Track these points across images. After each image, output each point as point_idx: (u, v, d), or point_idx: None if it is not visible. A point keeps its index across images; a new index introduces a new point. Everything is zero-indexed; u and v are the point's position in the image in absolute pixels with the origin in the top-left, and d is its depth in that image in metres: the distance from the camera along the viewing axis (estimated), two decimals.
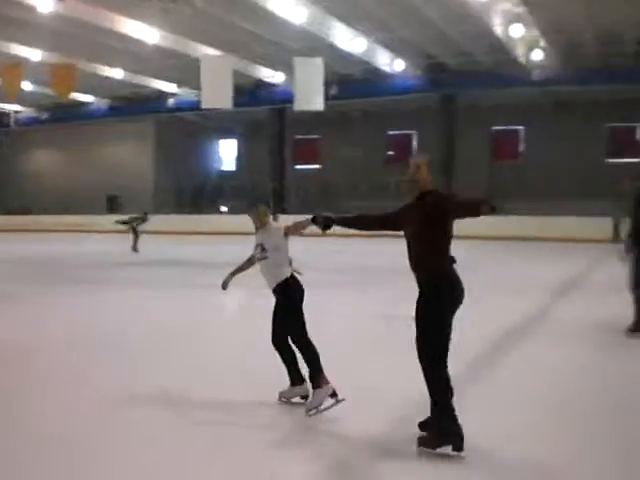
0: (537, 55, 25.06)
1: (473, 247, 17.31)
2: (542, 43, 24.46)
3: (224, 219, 31.30)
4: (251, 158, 36.50)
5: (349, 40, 23.96)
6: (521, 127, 31.28)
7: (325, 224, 4.60)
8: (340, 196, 31.24)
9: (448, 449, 3.91)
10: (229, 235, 26.42)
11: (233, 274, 5.28)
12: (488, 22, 21.66)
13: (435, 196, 4.13)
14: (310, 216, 4.68)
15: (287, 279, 4.93)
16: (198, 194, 35.82)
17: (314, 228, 4.66)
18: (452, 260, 4.08)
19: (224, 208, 35.11)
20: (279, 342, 4.93)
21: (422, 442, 4.00)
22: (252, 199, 5.25)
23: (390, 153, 34.23)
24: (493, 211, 3.67)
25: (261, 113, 32.87)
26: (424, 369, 3.98)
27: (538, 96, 27.73)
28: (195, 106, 27.03)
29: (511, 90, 26.99)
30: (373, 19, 22.16)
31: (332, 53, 23.71)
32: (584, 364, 6.26)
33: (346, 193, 31.36)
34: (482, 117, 30.17)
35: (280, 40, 23.47)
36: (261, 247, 5.00)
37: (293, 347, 4.92)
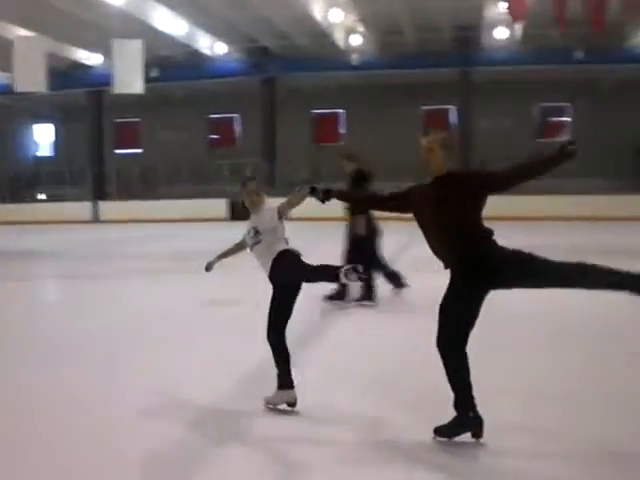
0: (356, 40, 26.17)
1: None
2: (361, 28, 25.57)
3: (42, 207, 29.81)
4: (69, 143, 34.90)
5: (169, 22, 23.64)
6: (341, 110, 32.39)
7: (325, 195, 4.31)
8: (161, 181, 30.86)
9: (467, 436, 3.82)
10: (48, 224, 25.25)
11: (220, 257, 4.93)
12: (308, 6, 22.29)
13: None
14: (306, 187, 4.39)
15: (284, 251, 4.46)
16: (15, 182, 33.66)
17: None
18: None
19: (42, 196, 33.32)
20: (276, 339, 4.44)
21: (437, 431, 3.85)
22: (243, 178, 4.88)
23: (212, 137, 34.22)
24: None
25: (79, 96, 31.46)
26: (451, 357, 3.80)
27: (357, 80, 28.84)
28: (8, 89, 25.44)
29: (331, 74, 27.90)
30: (194, 1, 22.02)
31: (152, 35, 23.25)
32: None
33: (168, 178, 30.99)
34: (303, 100, 30.83)
35: (98, 21, 22.64)
36: (254, 230, 4.53)
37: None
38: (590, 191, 23.60)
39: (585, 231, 18.80)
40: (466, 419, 3.79)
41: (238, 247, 4.93)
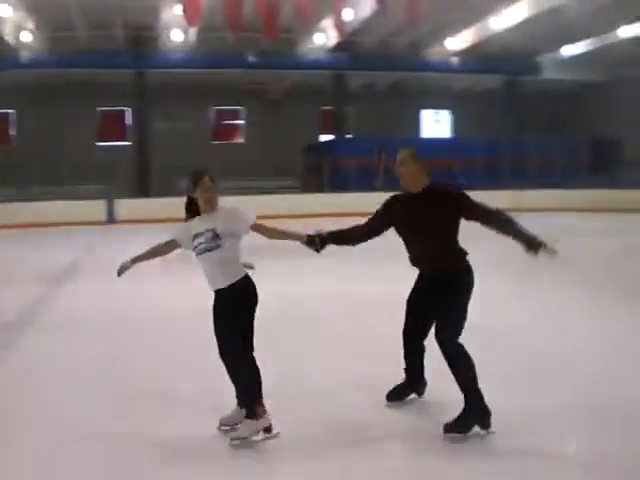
0: (26, 37, 24.77)
1: None
2: (30, 24, 24.26)
3: None
4: None
5: None
6: (11, 111, 30.19)
7: (322, 245, 4.30)
8: None
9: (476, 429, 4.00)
10: None
11: (135, 260, 4.23)
12: None
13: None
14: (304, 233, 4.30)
15: (245, 277, 4.04)
16: None
17: None
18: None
19: None
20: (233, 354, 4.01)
21: (447, 428, 4.00)
22: (194, 172, 4.18)
23: None
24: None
25: None
26: (456, 355, 4.02)
27: (29, 79, 27.22)
28: None
29: (1, 73, 25.98)
30: None
31: None
32: None
33: None
34: None
35: None
36: (213, 233, 3.97)
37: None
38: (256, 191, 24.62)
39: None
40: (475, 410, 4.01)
41: (162, 250, 4.32)
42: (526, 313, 7.46)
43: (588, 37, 25.30)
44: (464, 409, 4.02)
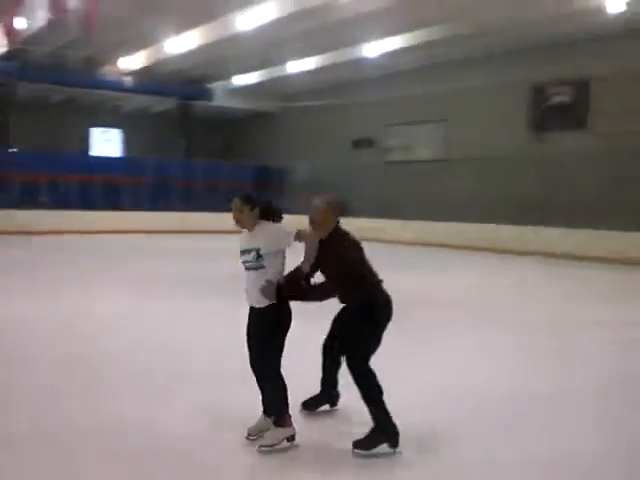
0: None
1: None
2: None
3: None
4: None
5: None
6: None
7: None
8: None
9: (384, 447, 4.16)
10: None
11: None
12: None
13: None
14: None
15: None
16: None
17: None
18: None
19: None
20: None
21: (356, 445, 4.17)
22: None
23: None
24: None
25: None
26: (361, 376, 4.26)
27: None
28: None
29: None
30: None
31: None
32: None
33: None
34: None
35: None
36: (256, 253, 4.27)
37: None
38: None
39: None
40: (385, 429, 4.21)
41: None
42: None
43: (260, 68, 26.67)
44: (373, 427, 4.22)
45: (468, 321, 9.00)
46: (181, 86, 28.76)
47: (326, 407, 4.98)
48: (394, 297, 4.54)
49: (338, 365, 4.75)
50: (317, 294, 4.46)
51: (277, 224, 4.44)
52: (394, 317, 4.51)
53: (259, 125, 32.52)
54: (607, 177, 18.89)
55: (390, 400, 4.30)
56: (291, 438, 4.35)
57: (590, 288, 13.21)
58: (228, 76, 28.28)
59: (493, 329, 8.48)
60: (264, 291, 4.25)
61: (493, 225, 20.05)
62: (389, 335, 4.49)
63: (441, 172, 23.72)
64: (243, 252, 4.42)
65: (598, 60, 19.54)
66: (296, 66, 25.26)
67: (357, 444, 4.19)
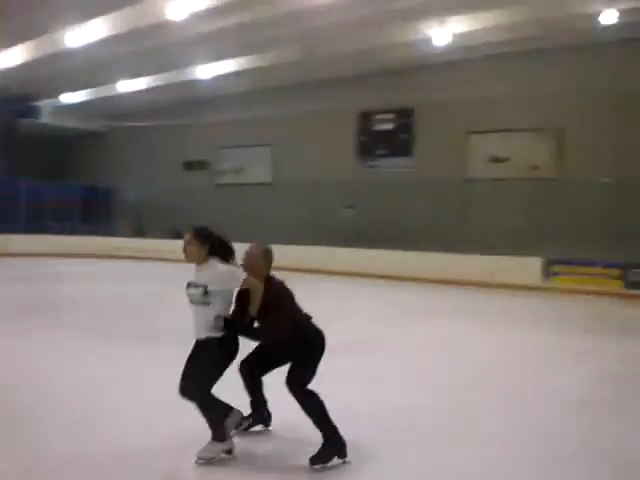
0: None
1: None
2: None
3: None
4: None
5: None
6: None
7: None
8: None
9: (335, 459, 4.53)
10: None
11: None
12: None
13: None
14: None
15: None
16: None
17: None
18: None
19: None
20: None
21: (312, 461, 4.48)
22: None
23: None
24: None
25: None
26: (304, 400, 4.60)
27: None
28: None
29: None
30: None
31: None
32: None
33: None
34: None
35: None
36: (203, 290, 4.44)
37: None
38: None
39: None
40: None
41: None
42: None
43: (90, 87, 26.01)
44: (323, 443, 4.57)
45: None
46: (5, 103, 27.35)
47: (259, 427, 5.17)
48: None
49: (261, 385, 5.07)
50: (263, 334, 4.73)
51: (228, 265, 4.55)
52: None
53: (89, 145, 31.63)
54: (428, 204, 20.36)
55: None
56: (229, 452, 4.56)
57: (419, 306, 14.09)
58: (57, 94, 27.30)
59: None
60: (216, 325, 4.44)
61: (320, 247, 20.64)
62: None
63: (268, 196, 24.30)
64: (190, 285, 4.56)
65: (423, 89, 21.01)
66: (128, 85, 24.92)
67: (314, 460, 4.51)
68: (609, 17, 16.22)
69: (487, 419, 5.86)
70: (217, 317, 4.45)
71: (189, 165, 28.36)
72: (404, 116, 22.52)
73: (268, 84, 23.90)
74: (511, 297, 15.77)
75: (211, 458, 4.51)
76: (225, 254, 4.62)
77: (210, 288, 4.42)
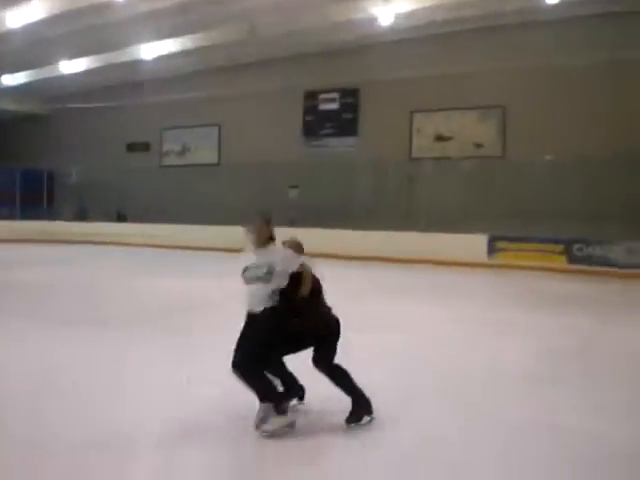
0: None
1: None
2: None
3: None
4: None
5: None
6: None
7: None
8: None
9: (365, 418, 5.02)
10: None
11: None
12: None
13: None
14: None
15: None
16: None
17: None
18: None
19: None
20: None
21: (348, 420, 4.99)
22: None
23: None
24: None
25: None
26: (332, 373, 5.09)
27: None
28: None
29: None
30: None
31: None
32: None
33: None
34: None
35: None
36: (269, 269, 4.87)
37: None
38: None
39: None
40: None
41: None
42: None
43: (29, 68, 25.21)
44: (353, 406, 5.05)
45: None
46: None
47: (294, 402, 5.34)
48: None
49: (284, 365, 5.31)
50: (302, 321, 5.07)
51: (287, 249, 5.14)
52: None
53: (29, 127, 30.69)
54: (372, 183, 20.47)
55: None
56: (292, 425, 4.83)
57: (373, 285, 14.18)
58: None
59: None
60: (272, 297, 4.91)
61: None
62: None
63: (214, 177, 24.11)
64: (248, 268, 4.96)
65: (368, 69, 21.00)
66: (68, 67, 24.25)
67: (349, 419, 5.01)
68: None
69: (428, 396, 5.92)
70: (274, 291, 4.89)
71: (132, 147, 27.88)
72: (349, 95, 22.54)
73: (213, 64, 23.62)
74: (457, 274, 15.99)
75: (274, 430, 4.72)
76: (274, 239, 5.14)
77: (275, 268, 4.87)
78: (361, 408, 5.09)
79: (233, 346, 4.90)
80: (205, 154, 26.00)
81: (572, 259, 16.59)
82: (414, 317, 10.03)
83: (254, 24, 19.51)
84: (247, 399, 4.90)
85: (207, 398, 5.56)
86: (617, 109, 17.55)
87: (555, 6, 16.79)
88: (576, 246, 16.60)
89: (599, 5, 17.07)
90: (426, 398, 5.83)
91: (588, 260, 16.42)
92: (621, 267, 15.91)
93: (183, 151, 26.73)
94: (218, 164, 25.24)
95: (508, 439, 4.90)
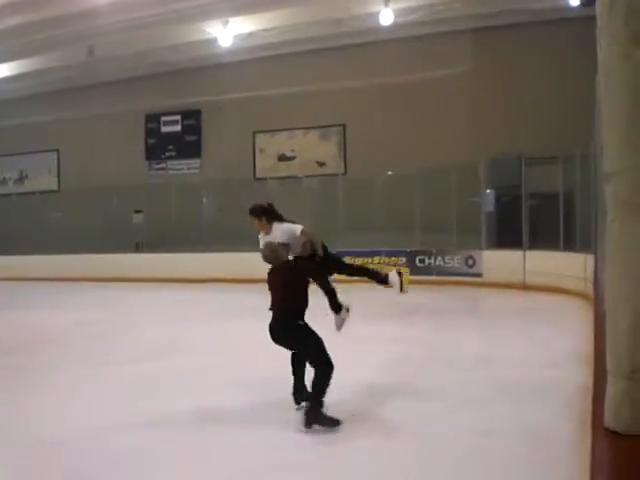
0: None
1: None
2: None
3: None
4: None
5: None
6: None
7: None
8: None
9: None
10: None
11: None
12: None
13: None
14: None
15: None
16: None
17: None
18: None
19: None
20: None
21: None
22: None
23: None
24: None
25: None
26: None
27: None
28: None
29: None
30: None
31: None
32: None
33: None
34: None
35: None
36: (279, 244, 5.56)
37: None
38: None
39: None
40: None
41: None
42: None
43: None
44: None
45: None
46: None
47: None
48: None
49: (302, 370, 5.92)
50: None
51: (285, 223, 5.85)
52: None
53: None
54: (217, 205, 20.35)
55: None
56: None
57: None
58: None
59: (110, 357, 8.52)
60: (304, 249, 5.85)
61: (110, 255, 20.02)
62: None
63: (55, 204, 23.11)
64: (261, 250, 5.60)
65: (209, 90, 20.93)
66: None
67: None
68: (386, 17, 17.10)
69: (281, 410, 5.88)
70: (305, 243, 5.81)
71: None
72: (191, 117, 22.33)
73: (50, 87, 22.63)
74: None
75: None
76: (279, 217, 5.91)
77: (284, 241, 5.58)
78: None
79: None
80: (44, 180, 24.78)
81: (413, 270, 17.21)
82: (257, 338, 9.95)
83: (93, 45, 18.91)
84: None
85: None
86: (446, 125, 18.51)
87: (389, 27, 17.46)
88: (418, 257, 17.26)
89: (433, 26, 17.83)
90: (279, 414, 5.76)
91: (428, 270, 17.10)
92: (458, 275, 16.73)
93: (21, 178, 25.32)
94: (58, 190, 24.11)
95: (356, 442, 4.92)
